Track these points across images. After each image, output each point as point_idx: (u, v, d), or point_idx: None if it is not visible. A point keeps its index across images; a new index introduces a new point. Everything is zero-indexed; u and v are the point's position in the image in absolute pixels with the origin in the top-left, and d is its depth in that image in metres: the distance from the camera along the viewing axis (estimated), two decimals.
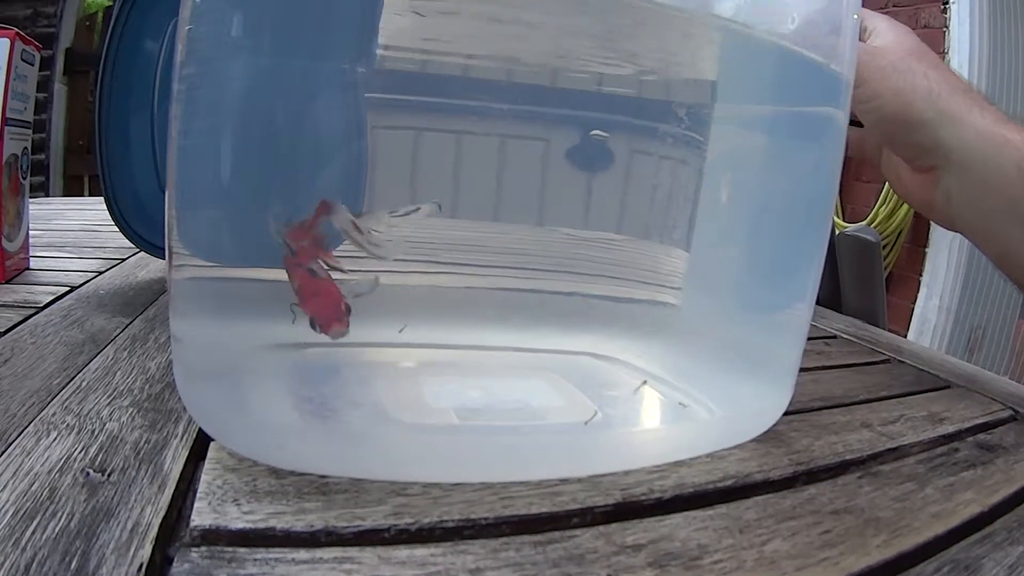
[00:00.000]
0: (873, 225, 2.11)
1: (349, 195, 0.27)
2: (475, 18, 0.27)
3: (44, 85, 2.68)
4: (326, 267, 0.26)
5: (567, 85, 0.29)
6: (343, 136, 0.27)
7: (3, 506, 0.21)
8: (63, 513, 0.21)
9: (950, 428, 0.35)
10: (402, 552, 0.21)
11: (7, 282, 0.50)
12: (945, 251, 2.04)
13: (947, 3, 2.12)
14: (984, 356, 2.00)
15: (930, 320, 2.05)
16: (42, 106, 2.67)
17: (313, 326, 0.27)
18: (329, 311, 0.27)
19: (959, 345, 2.01)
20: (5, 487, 0.23)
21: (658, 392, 0.31)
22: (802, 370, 0.32)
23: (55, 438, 0.26)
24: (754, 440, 0.30)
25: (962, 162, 0.40)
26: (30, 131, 0.54)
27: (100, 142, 0.48)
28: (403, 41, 0.27)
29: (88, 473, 0.24)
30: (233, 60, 0.26)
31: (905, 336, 1.97)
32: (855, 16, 0.30)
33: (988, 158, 0.39)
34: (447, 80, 0.28)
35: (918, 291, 2.13)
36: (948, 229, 0.44)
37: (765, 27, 0.30)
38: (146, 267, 0.59)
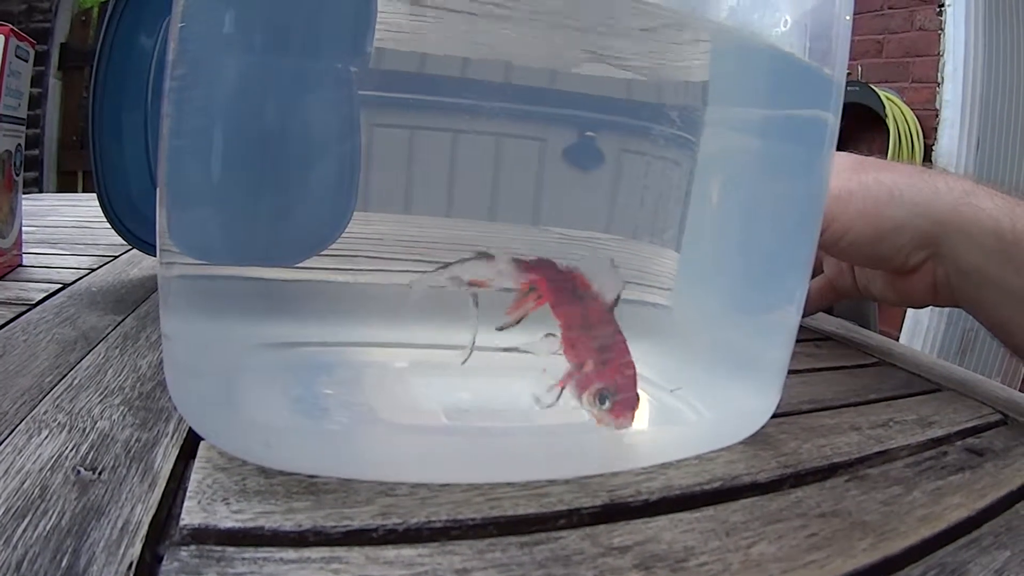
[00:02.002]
0: None
1: (341, 194, 0.27)
2: (467, 16, 0.27)
3: (39, 80, 2.67)
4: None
5: (561, 85, 0.29)
6: (335, 135, 0.27)
7: None
8: (54, 511, 0.21)
9: (939, 432, 0.35)
10: (389, 552, 0.21)
11: (0, 279, 0.50)
12: None
13: (943, 5, 2.12)
14: (976, 359, 2.00)
15: (922, 322, 2.06)
16: (36, 102, 2.66)
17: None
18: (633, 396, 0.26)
19: (951, 347, 2.02)
20: None
21: (647, 394, 0.31)
22: (791, 372, 0.32)
23: (46, 436, 0.26)
24: (742, 442, 0.31)
25: (949, 244, 0.40)
26: (24, 127, 0.53)
27: (93, 138, 0.48)
28: (396, 39, 0.27)
29: (79, 471, 0.24)
30: (225, 58, 0.26)
31: (897, 338, 1.97)
32: (847, 18, 0.31)
33: (966, 231, 0.39)
34: (439, 79, 0.28)
35: None
36: (953, 307, 0.44)
37: (757, 30, 0.30)
38: (138, 264, 0.59)
